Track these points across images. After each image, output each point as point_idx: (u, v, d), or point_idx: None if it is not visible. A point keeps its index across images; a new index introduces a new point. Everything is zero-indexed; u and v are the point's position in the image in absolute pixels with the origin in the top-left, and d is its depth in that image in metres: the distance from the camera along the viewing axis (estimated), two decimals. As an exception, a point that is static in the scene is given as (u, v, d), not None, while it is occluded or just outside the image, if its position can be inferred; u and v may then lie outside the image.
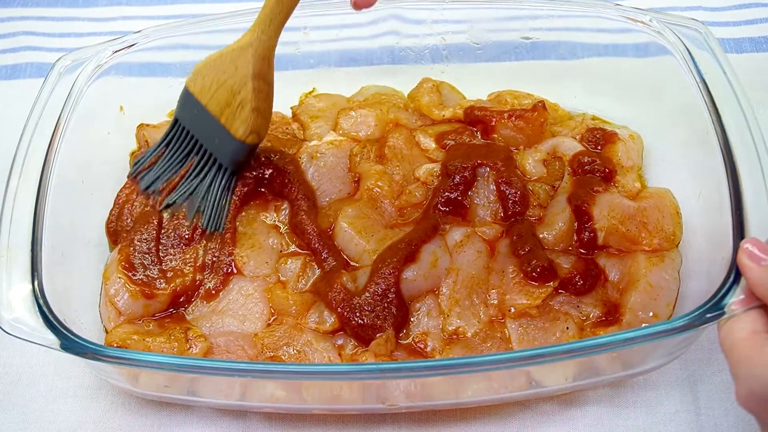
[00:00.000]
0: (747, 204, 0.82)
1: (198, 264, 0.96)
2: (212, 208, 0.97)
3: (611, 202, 0.95)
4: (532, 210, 0.98)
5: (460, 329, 0.90)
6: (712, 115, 0.90)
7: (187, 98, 0.98)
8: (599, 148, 1.04)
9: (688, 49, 0.97)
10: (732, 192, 0.84)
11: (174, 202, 0.98)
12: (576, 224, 0.96)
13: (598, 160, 1.01)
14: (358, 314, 0.88)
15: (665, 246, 0.93)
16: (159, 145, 1.01)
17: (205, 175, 0.99)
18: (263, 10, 0.92)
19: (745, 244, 0.75)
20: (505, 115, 1.05)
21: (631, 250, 0.94)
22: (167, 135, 1.01)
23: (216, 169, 0.98)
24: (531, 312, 0.89)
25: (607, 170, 1.00)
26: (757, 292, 0.72)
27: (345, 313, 0.88)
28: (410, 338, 0.90)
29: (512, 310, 0.90)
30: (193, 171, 0.99)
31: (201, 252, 0.97)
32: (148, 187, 1.00)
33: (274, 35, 0.93)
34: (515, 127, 1.05)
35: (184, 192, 0.99)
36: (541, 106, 1.05)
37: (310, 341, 0.89)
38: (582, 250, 0.95)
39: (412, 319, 0.91)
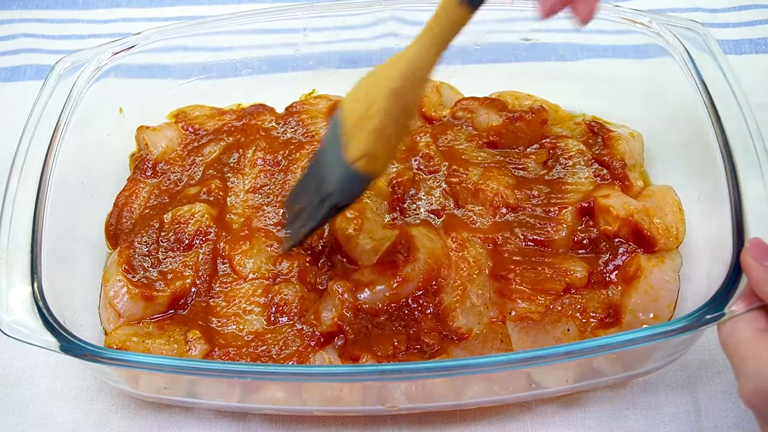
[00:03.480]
0: (747, 204, 0.82)
1: (198, 266, 0.96)
2: (297, 230, 0.88)
3: (622, 200, 0.95)
4: (532, 210, 0.98)
5: (463, 329, 0.90)
6: (712, 116, 0.90)
7: (339, 115, 0.83)
8: (601, 147, 1.04)
9: (687, 51, 0.97)
10: (732, 192, 0.84)
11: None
12: (582, 225, 0.96)
13: (607, 158, 1.01)
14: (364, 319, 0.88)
15: (669, 244, 0.93)
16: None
17: (312, 197, 0.86)
18: (426, 28, 0.78)
19: (749, 243, 0.75)
20: (504, 119, 1.05)
21: (637, 250, 0.94)
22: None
23: (324, 194, 0.84)
24: (532, 316, 0.89)
25: (615, 166, 1.00)
26: (759, 292, 0.72)
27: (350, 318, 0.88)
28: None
29: (513, 313, 0.90)
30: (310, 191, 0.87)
31: (201, 254, 0.97)
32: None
33: (431, 55, 0.78)
34: (515, 128, 1.05)
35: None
36: (539, 108, 1.06)
37: (310, 343, 0.89)
38: (584, 251, 0.95)
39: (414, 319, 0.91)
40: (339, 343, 0.90)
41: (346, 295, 0.90)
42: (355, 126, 0.79)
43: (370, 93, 0.79)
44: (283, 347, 0.89)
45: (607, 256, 0.95)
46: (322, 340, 0.89)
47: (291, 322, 0.91)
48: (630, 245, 0.95)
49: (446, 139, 1.07)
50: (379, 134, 0.78)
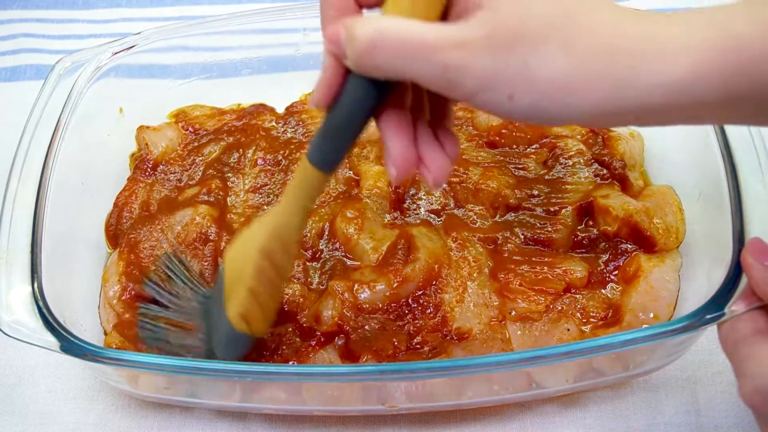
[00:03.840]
0: (747, 204, 0.82)
1: (199, 268, 0.96)
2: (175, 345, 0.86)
3: (622, 200, 0.96)
4: (532, 210, 0.98)
5: (463, 329, 0.90)
6: (712, 116, 0.90)
7: (224, 263, 0.82)
8: (601, 147, 1.04)
9: (687, 51, 0.97)
10: (732, 192, 0.84)
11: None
12: (582, 224, 0.96)
13: (607, 158, 1.01)
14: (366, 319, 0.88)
15: (670, 244, 0.93)
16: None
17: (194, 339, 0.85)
18: (287, 188, 0.74)
19: (749, 243, 0.75)
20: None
21: (638, 250, 0.94)
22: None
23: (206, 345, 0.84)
24: (532, 316, 0.89)
25: (615, 166, 1.00)
26: (760, 292, 0.72)
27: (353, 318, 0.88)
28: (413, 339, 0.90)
29: (513, 313, 0.90)
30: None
31: (201, 254, 0.97)
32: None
33: (295, 216, 0.74)
34: (515, 128, 1.05)
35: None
36: None
37: (310, 342, 0.89)
38: (584, 251, 0.95)
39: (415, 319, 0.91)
40: (339, 343, 0.90)
41: (346, 294, 0.90)
42: (233, 283, 0.77)
43: (245, 249, 0.76)
44: (283, 347, 0.89)
45: (607, 256, 0.95)
46: (322, 339, 0.89)
47: (291, 322, 0.91)
48: (630, 245, 0.95)
49: None
50: (253, 296, 0.76)
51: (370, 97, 0.63)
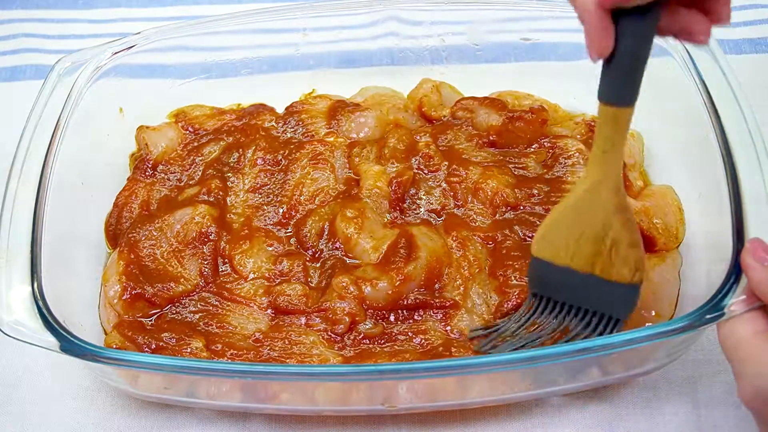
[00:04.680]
0: (747, 205, 0.82)
1: (199, 267, 0.96)
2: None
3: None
4: (532, 209, 0.98)
5: (464, 328, 0.90)
6: (712, 116, 0.90)
7: (540, 268, 0.84)
8: None
9: (687, 51, 0.97)
10: (732, 193, 0.84)
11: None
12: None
13: None
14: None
15: (669, 244, 0.93)
16: (513, 322, 0.88)
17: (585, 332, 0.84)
18: (595, 144, 0.77)
19: (749, 244, 0.75)
20: (504, 119, 1.05)
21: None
22: (528, 312, 0.87)
23: (602, 324, 0.83)
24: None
25: None
26: (759, 292, 0.72)
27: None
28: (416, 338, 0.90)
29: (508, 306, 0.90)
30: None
31: (201, 254, 0.97)
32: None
33: (617, 163, 0.78)
34: (515, 128, 1.05)
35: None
36: (539, 108, 1.06)
37: (314, 342, 0.89)
38: None
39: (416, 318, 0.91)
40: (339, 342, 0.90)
41: (351, 288, 0.90)
42: (602, 259, 0.80)
43: (587, 232, 0.80)
44: (287, 346, 0.89)
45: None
46: (339, 336, 0.89)
47: (298, 321, 0.91)
48: None
49: (446, 138, 1.07)
50: (634, 247, 0.79)
51: (653, 18, 0.67)
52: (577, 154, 1.03)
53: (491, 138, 1.06)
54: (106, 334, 0.92)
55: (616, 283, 0.81)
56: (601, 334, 0.82)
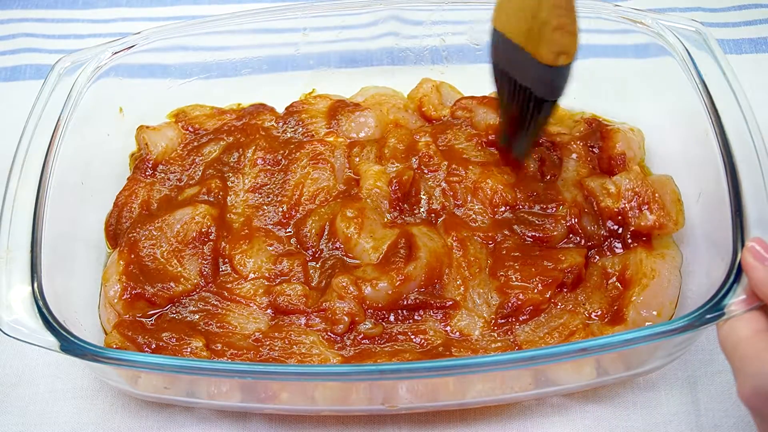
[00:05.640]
0: (747, 204, 0.82)
1: (199, 266, 0.96)
2: (523, 137, 0.96)
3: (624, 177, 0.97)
4: (531, 208, 0.98)
5: (464, 328, 0.90)
6: (712, 116, 0.90)
7: (494, 36, 0.90)
8: (599, 141, 1.04)
9: (687, 50, 0.97)
10: (732, 192, 0.84)
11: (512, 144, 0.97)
12: (578, 218, 0.96)
13: (606, 152, 1.02)
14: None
15: (668, 226, 0.93)
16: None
17: (522, 108, 0.92)
18: None
19: (750, 243, 0.75)
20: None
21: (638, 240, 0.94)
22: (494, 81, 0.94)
23: (533, 100, 0.90)
24: (535, 306, 0.90)
25: (614, 155, 1.01)
26: (760, 292, 0.72)
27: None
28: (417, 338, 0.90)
29: (512, 304, 0.90)
30: (515, 106, 0.93)
31: (201, 254, 0.97)
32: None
33: None
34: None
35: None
36: None
37: (314, 342, 0.89)
38: (588, 243, 0.95)
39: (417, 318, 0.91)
40: (339, 342, 0.90)
41: (351, 288, 0.90)
42: (530, 35, 0.84)
43: (525, 5, 0.83)
44: (287, 346, 0.89)
45: (608, 255, 0.95)
46: (339, 336, 0.89)
47: (298, 320, 0.91)
48: (628, 235, 0.95)
49: (446, 138, 1.07)
50: (561, 30, 0.82)
51: None
52: (577, 151, 1.03)
53: (490, 137, 1.06)
54: (106, 333, 0.92)
55: (539, 63, 0.85)
56: (526, 113, 0.89)
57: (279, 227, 1.01)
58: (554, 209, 0.98)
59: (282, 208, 1.02)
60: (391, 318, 0.91)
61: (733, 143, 0.87)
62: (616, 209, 0.95)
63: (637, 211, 0.94)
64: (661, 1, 1.32)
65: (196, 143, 1.10)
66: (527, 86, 0.89)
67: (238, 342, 0.90)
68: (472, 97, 1.11)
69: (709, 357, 0.93)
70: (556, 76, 0.87)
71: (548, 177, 1.02)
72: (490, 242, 0.96)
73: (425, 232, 0.96)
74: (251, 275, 0.96)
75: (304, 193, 1.03)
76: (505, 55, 0.89)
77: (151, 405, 0.94)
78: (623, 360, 0.87)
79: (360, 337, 0.90)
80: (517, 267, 0.92)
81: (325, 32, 1.18)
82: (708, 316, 0.75)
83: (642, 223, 0.94)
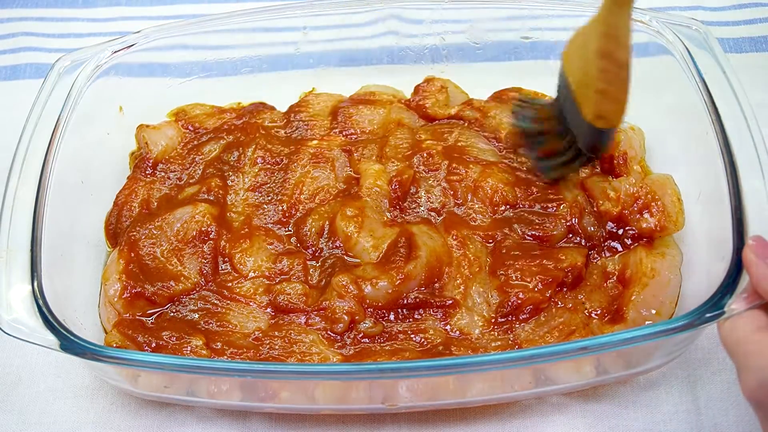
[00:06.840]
0: (747, 204, 0.82)
1: (198, 265, 0.96)
2: (556, 169, 0.97)
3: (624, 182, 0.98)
4: (531, 207, 0.98)
5: (464, 327, 0.90)
6: (712, 115, 0.90)
7: (561, 67, 0.90)
8: None
9: (687, 49, 0.97)
10: (732, 192, 0.84)
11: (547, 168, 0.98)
12: (578, 218, 0.96)
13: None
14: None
15: (669, 227, 0.93)
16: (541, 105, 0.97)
17: (566, 147, 0.93)
18: None
19: (751, 241, 0.75)
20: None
21: (638, 241, 0.94)
22: (552, 104, 0.95)
23: (574, 148, 0.91)
24: (535, 308, 0.90)
25: (616, 155, 1.01)
26: (761, 289, 0.72)
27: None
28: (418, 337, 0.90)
29: (512, 302, 0.90)
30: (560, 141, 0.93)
31: (201, 253, 0.97)
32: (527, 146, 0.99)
33: (617, 13, 0.81)
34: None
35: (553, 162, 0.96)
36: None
37: (314, 341, 0.89)
38: (588, 243, 0.95)
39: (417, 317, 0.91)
40: (339, 341, 0.90)
41: (351, 287, 0.90)
42: (581, 87, 0.85)
43: (583, 53, 0.83)
44: (287, 345, 0.89)
45: (608, 254, 0.95)
46: (339, 335, 0.89)
47: (298, 319, 0.91)
48: (628, 236, 0.95)
49: (449, 138, 1.06)
50: (603, 95, 0.82)
51: None
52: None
53: (497, 135, 1.06)
54: (106, 332, 0.92)
55: (581, 115, 0.85)
56: (566, 152, 0.90)
57: (279, 226, 1.01)
58: (555, 208, 0.98)
59: (282, 206, 1.02)
60: (391, 317, 0.91)
61: (732, 143, 0.87)
62: (615, 213, 0.95)
63: (637, 215, 0.94)
64: (661, 0, 1.32)
65: (196, 142, 1.10)
66: (573, 132, 0.90)
67: (238, 341, 0.90)
68: (477, 101, 1.11)
69: (709, 356, 0.93)
70: (596, 136, 0.87)
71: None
72: (490, 241, 0.96)
73: (425, 231, 0.96)
74: (251, 274, 0.96)
75: (304, 191, 1.03)
76: (564, 91, 0.90)
77: (151, 404, 0.94)
78: (623, 359, 0.87)
79: (360, 336, 0.90)
80: (518, 266, 0.92)
81: (325, 31, 1.18)
82: (708, 315, 0.75)
83: (643, 226, 0.94)
